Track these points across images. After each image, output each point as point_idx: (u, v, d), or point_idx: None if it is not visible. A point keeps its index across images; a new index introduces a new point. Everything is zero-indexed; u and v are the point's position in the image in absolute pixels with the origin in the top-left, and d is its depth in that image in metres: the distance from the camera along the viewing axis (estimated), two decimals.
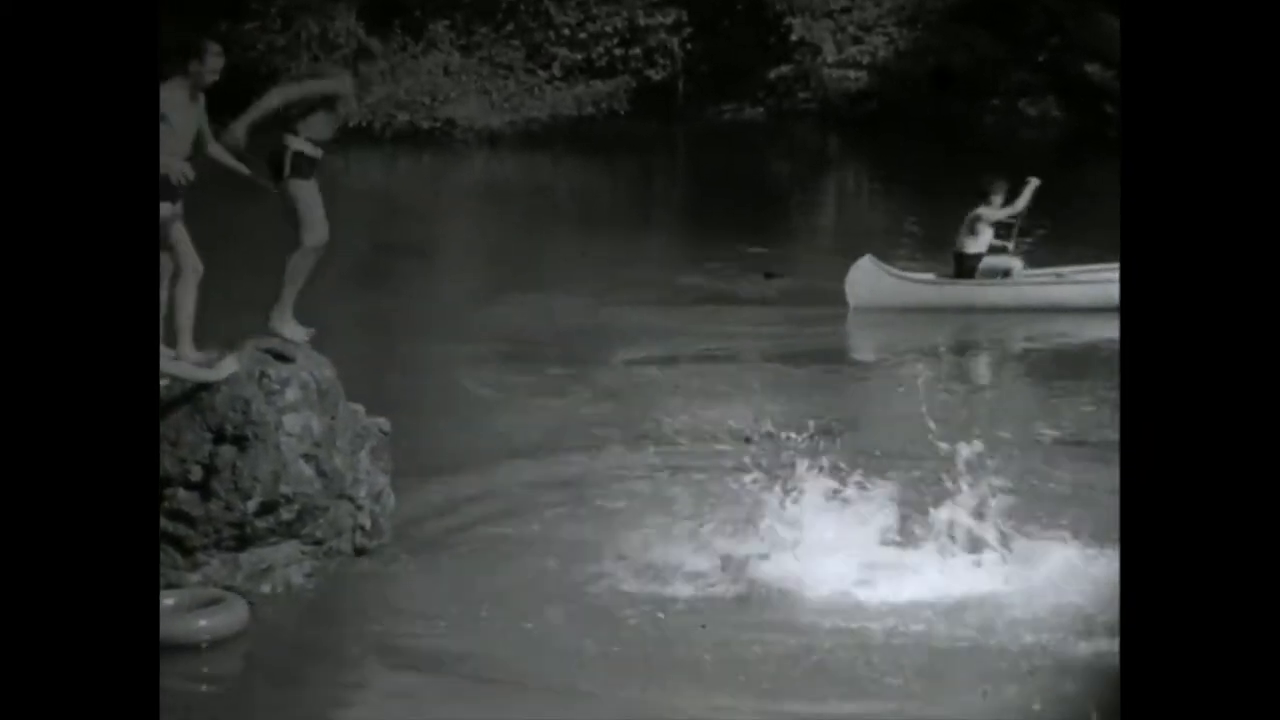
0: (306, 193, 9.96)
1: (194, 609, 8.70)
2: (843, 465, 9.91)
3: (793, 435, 10.09)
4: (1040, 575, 9.06)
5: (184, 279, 9.52)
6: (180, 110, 9.49)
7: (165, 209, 9.13)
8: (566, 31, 39.21)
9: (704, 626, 8.59)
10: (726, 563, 9.33)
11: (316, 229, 10.04)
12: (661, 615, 8.74)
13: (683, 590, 9.06)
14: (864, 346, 17.13)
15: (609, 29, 39.24)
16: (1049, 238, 21.07)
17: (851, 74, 37.83)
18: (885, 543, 9.57)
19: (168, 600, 8.78)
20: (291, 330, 10.03)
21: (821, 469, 9.79)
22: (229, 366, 9.39)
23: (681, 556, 9.46)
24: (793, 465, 9.81)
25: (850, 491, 9.78)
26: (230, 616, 8.67)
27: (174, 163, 9.19)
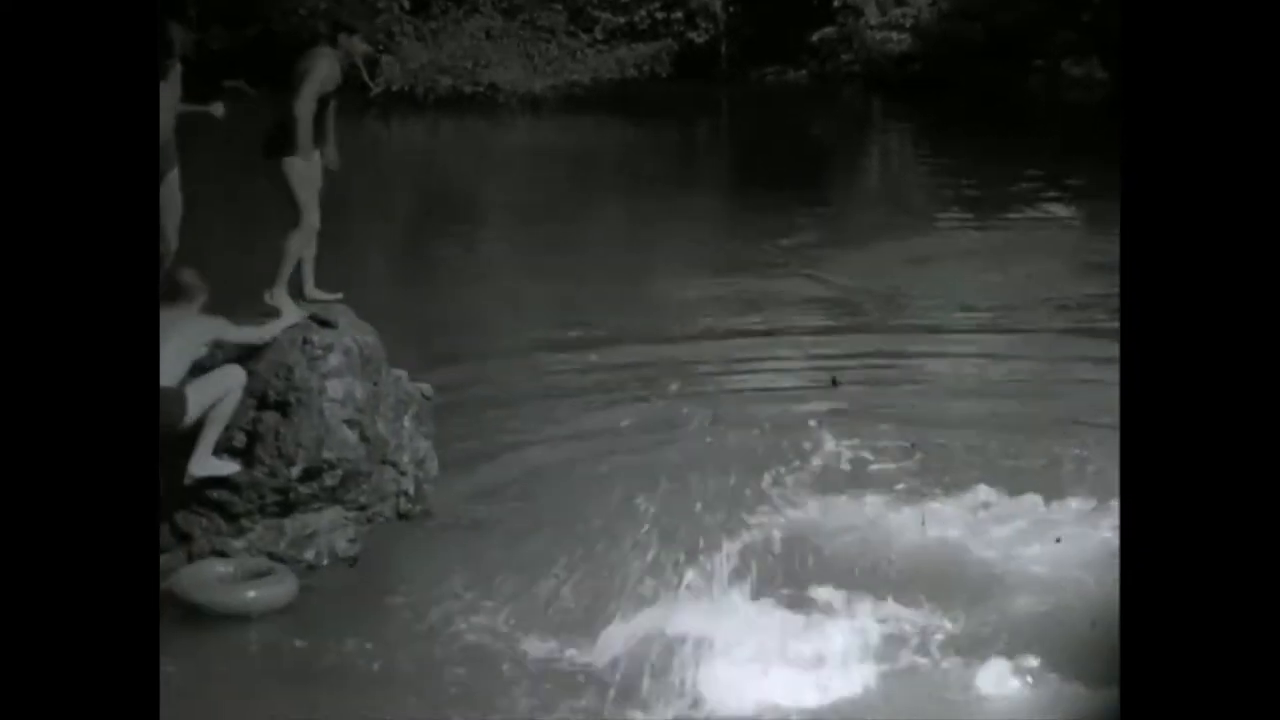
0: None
1: (244, 580, 8.75)
2: None
3: None
4: None
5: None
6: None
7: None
8: None
9: None
10: None
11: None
12: None
13: None
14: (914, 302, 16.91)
15: None
16: (1095, 200, 21.04)
17: (894, 36, 37.65)
18: None
19: (219, 569, 8.85)
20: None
21: None
22: (279, 325, 9.46)
23: None
24: None
25: None
26: (280, 588, 8.70)
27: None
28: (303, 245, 9.94)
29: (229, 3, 37.37)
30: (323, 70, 9.77)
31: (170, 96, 9.91)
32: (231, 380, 8.99)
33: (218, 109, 10.43)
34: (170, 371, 8.63)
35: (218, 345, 9.15)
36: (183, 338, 8.82)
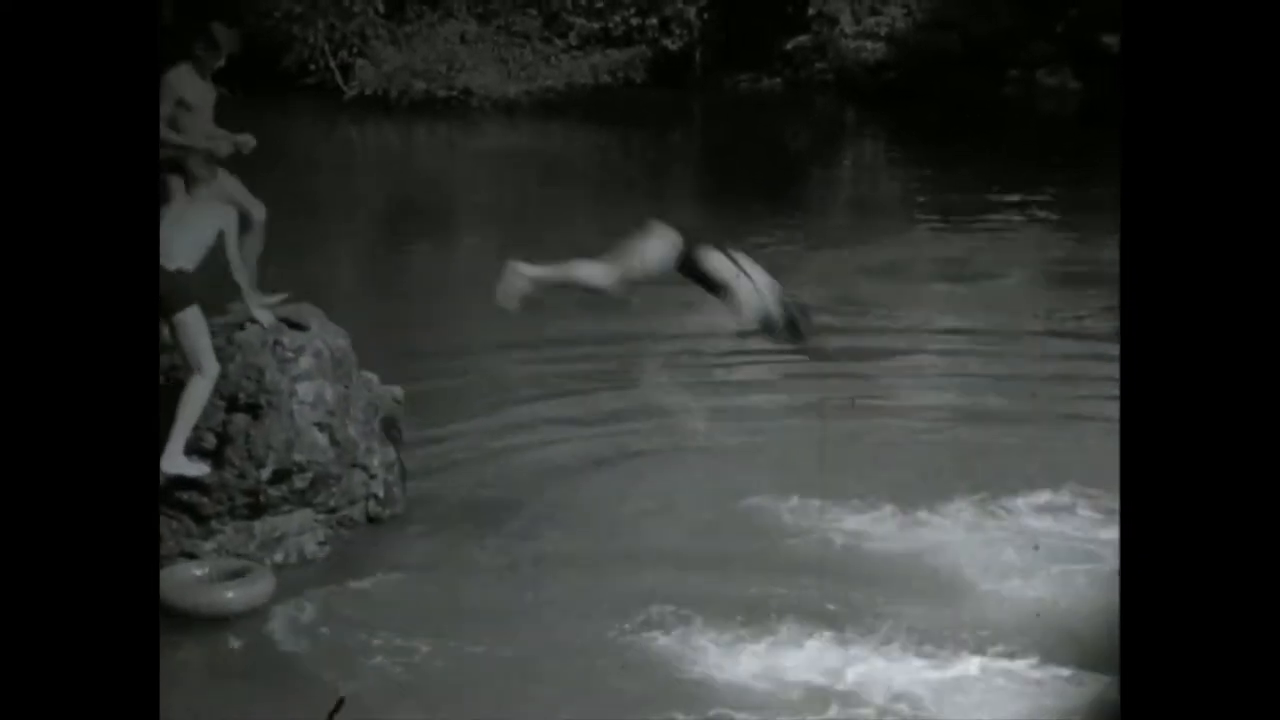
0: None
1: (222, 580, 8.71)
2: None
3: None
4: None
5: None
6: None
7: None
8: (583, 0, 39.15)
9: None
10: None
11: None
12: None
13: None
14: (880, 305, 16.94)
15: None
16: (1068, 211, 21.09)
17: (869, 45, 37.73)
18: None
19: (195, 570, 8.81)
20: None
21: None
22: (264, 315, 9.57)
23: None
24: None
25: None
26: (257, 587, 8.67)
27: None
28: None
29: (205, 5, 37.26)
30: None
31: (208, 96, 10.17)
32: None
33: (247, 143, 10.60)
34: (185, 255, 8.96)
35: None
36: (201, 219, 9.16)
